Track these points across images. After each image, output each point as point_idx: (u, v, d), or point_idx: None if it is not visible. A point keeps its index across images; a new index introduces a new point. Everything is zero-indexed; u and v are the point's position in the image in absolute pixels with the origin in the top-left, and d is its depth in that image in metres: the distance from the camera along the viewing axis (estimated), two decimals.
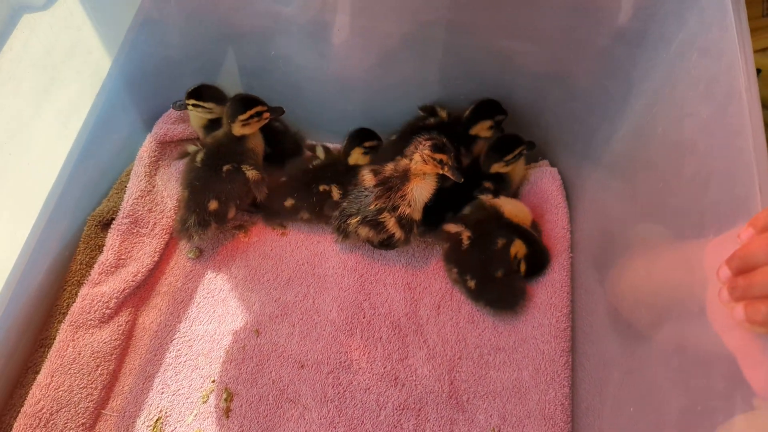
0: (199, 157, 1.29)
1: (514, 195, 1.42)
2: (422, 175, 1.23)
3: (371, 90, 1.37)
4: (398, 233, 1.26)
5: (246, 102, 1.27)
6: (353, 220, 1.26)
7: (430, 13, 1.19)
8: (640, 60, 1.05)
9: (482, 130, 1.34)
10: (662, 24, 0.97)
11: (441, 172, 1.21)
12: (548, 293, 1.25)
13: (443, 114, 1.36)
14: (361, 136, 1.35)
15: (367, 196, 1.25)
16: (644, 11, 1.01)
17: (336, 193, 1.32)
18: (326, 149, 1.42)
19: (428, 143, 1.19)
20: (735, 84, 0.75)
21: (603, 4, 1.06)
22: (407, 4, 1.19)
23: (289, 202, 1.33)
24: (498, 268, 1.24)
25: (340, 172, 1.35)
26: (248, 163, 1.29)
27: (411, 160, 1.22)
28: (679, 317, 0.79)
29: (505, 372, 1.21)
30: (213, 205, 1.27)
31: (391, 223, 1.24)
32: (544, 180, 1.39)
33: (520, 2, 1.13)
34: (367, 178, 1.26)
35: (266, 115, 1.29)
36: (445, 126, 1.33)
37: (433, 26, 1.22)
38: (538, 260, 1.28)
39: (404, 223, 1.25)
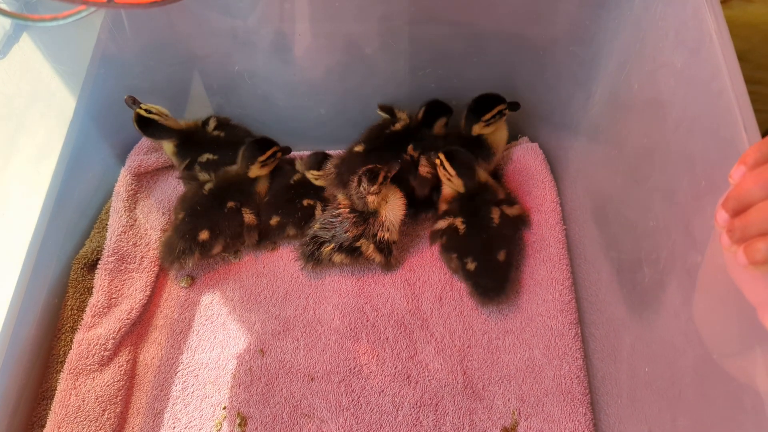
0: (208, 186, 1.31)
1: (496, 169, 1.41)
2: (386, 200, 1.24)
3: (342, 90, 1.36)
4: (378, 257, 1.27)
5: (263, 144, 1.31)
6: (327, 248, 1.25)
7: (388, 5, 1.18)
8: (605, 20, 1.05)
9: (439, 128, 1.35)
10: None
11: (389, 187, 1.24)
12: (548, 268, 1.24)
13: (403, 116, 1.34)
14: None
15: (342, 222, 1.25)
16: None
17: (320, 209, 1.31)
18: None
19: (365, 181, 1.19)
20: (704, 27, 0.74)
21: None
22: (363, 1, 1.18)
23: (274, 220, 1.31)
24: (500, 247, 1.22)
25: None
26: (250, 205, 1.31)
27: (365, 202, 1.22)
28: (683, 269, 0.78)
29: (516, 354, 1.19)
30: (204, 234, 1.26)
31: (369, 249, 1.25)
32: (527, 156, 1.38)
33: None
34: (341, 198, 1.27)
35: (279, 154, 1.33)
36: (411, 129, 1.32)
37: (394, 18, 1.21)
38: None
39: (383, 247, 1.26)
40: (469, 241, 1.24)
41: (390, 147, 1.31)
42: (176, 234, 1.27)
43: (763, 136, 1.20)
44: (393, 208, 1.25)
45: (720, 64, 0.71)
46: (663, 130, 0.85)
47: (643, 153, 0.93)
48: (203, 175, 1.35)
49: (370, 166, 1.20)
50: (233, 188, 1.31)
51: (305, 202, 1.31)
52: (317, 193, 1.33)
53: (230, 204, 1.28)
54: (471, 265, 1.22)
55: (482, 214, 1.24)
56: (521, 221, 1.31)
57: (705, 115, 0.74)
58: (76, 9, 0.70)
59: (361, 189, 1.19)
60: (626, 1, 0.97)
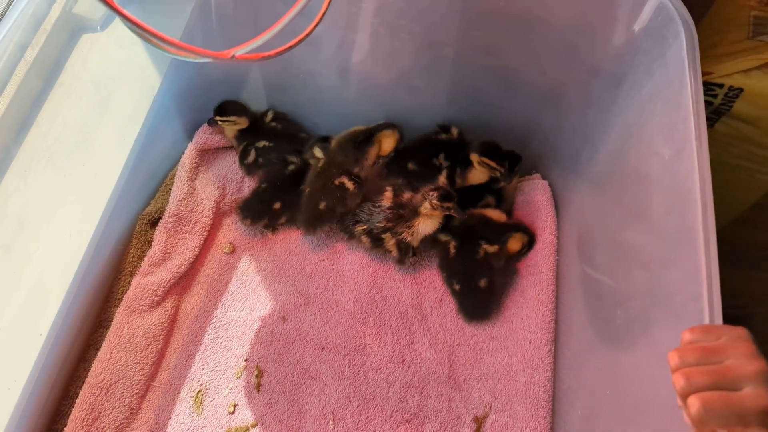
0: (291, 168, 1.54)
1: (509, 207, 1.59)
2: (430, 215, 1.42)
3: (387, 103, 1.53)
4: (395, 252, 1.44)
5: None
6: (360, 228, 1.44)
7: (440, 35, 1.33)
8: (617, 98, 1.20)
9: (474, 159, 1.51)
10: (636, 72, 1.13)
11: (447, 213, 1.41)
12: (536, 291, 1.42)
13: (455, 131, 1.53)
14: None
15: (379, 213, 1.43)
16: (621, 58, 1.17)
17: (349, 183, 1.44)
18: (323, 147, 1.49)
19: (436, 193, 1.37)
20: (688, 134, 0.91)
21: (589, 49, 1.23)
22: (421, 28, 1.33)
23: (322, 205, 1.44)
24: (481, 276, 1.39)
25: (342, 161, 1.45)
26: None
27: (421, 204, 1.40)
28: (649, 320, 0.96)
29: (496, 357, 1.37)
30: (277, 205, 1.48)
31: (390, 243, 1.43)
32: (536, 191, 1.54)
33: (521, 33, 1.26)
34: (387, 196, 1.44)
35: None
36: (451, 144, 1.51)
37: (443, 47, 1.35)
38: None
39: (402, 247, 1.43)
40: (456, 265, 1.42)
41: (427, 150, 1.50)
42: (256, 198, 1.49)
43: (765, 195, 1.39)
44: (428, 225, 1.42)
45: (694, 166, 0.87)
46: (647, 206, 1.02)
47: (632, 212, 1.09)
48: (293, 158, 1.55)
49: (449, 189, 1.39)
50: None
51: (337, 182, 1.43)
52: (339, 171, 1.44)
53: (303, 186, 1.49)
54: (456, 286, 1.42)
55: (472, 245, 1.41)
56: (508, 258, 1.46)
57: (679, 203, 0.91)
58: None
59: (430, 195, 1.37)
60: (636, 89, 1.13)
